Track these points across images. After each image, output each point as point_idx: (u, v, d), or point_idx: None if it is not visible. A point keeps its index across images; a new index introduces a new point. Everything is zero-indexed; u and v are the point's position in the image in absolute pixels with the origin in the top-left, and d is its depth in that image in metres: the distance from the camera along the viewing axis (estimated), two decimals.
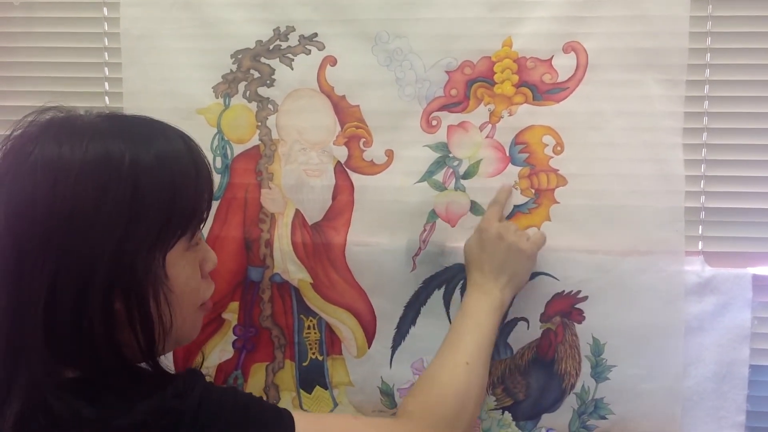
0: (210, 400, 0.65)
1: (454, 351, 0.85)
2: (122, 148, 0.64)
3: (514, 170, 0.98)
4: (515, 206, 0.98)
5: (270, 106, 1.01)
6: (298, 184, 1.01)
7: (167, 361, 0.76)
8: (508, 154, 0.98)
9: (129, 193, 0.64)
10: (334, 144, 1.01)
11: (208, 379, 0.68)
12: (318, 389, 1.03)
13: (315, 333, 1.03)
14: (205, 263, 0.74)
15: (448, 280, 1.00)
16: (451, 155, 0.99)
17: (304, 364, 1.03)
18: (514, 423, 1.01)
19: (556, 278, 0.98)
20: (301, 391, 1.04)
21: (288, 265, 1.01)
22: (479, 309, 0.88)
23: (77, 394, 0.62)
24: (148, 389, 0.63)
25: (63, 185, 0.62)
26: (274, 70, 1.01)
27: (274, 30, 1.00)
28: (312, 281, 1.01)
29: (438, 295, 1.00)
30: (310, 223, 1.01)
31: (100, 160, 0.64)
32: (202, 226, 0.72)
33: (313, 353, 1.03)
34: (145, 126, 0.70)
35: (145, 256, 0.65)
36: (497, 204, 0.96)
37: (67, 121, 0.67)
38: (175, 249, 0.68)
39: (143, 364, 0.68)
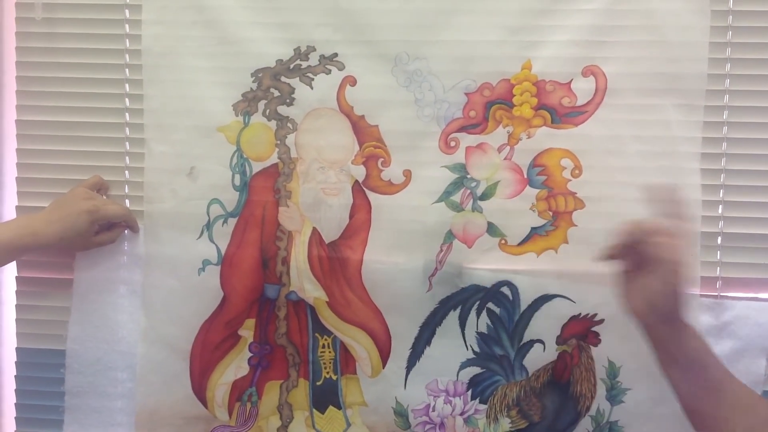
0: None
1: None
2: None
3: (531, 192, 0.98)
4: (533, 228, 0.98)
5: (289, 124, 1.02)
6: (316, 202, 1.01)
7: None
8: (525, 176, 0.99)
9: None
10: (352, 163, 1.01)
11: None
12: (331, 409, 1.03)
13: (329, 352, 1.03)
14: None
15: (464, 301, 1.00)
16: (468, 176, 0.99)
17: (318, 383, 1.03)
18: None
19: (572, 301, 0.98)
20: (314, 410, 1.03)
21: (304, 283, 1.01)
22: None
23: None
24: None
25: None
26: (294, 89, 1.01)
27: (294, 49, 1.01)
28: (327, 299, 1.01)
29: (454, 316, 1.00)
30: (326, 241, 1.01)
31: None
32: None
33: (327, 372, 1.03)
34: None
35: None
36: None
37: None
38: None
39: None
